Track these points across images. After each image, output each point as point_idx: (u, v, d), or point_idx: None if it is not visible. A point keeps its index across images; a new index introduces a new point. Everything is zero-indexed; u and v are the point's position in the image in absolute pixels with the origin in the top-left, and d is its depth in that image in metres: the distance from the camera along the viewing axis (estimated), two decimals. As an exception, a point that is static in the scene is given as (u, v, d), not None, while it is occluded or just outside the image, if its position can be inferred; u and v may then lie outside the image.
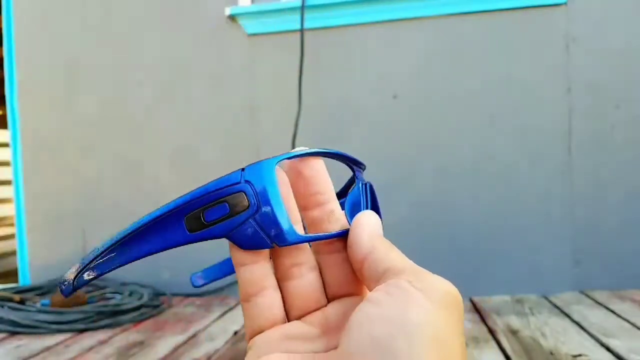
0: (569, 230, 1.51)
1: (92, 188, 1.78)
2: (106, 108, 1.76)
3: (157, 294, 1.61)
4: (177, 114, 1.72)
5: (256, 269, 0.25)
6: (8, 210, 3.42)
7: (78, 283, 0.25)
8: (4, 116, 1.98)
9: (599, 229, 1.51)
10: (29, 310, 1.40)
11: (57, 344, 1.25)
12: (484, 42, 1.55)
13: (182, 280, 1.71)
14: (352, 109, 1.61)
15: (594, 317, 1.27)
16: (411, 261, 0.25)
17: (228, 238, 0.24)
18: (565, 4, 1.50)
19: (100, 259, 0.25)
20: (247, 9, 1.63)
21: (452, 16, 1.55)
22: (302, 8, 1.55)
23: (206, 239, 0.24)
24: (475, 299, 1.51)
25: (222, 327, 1.34)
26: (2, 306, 1.42)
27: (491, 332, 1.20)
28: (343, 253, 0.26)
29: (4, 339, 1.31)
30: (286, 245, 0.25)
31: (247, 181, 0.24)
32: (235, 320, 1.39)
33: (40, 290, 1.64)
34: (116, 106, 1.76)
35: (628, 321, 1.22)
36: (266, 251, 0.25)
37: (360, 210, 0.27)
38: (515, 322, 1.27)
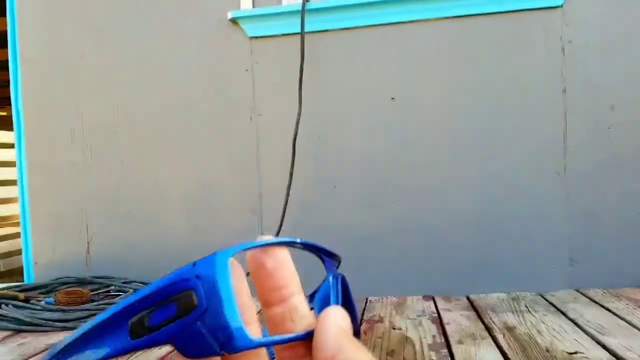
0: (564, 229, 1.53)
1: (97, 188, 1.80)
2: (110, 109, 1.79)
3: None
4: (179, 116, 1.74)
5: None
6: (13, 209, 3.46)
7: None
8: (9, 117, 2.00)
9: (594, 228, 1.53)
10: (33, 309, 1.42)
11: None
12: (481, 45, 1.57)
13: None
14: (350, 111, 1.63)
15: (590, 315, 1.29)
16: None
17: (172, 344, 0.22)
18: (561, 6, 1.52)
19: None
20: (248, 12, 1.65)
21: (450, 19, 1.57)
22: (303, 11, 1.57)
23: (149, 347, 0.22)
24: (472, 296, 1.53)
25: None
26: (7, 304, 1.45)
27: (488, 329, 1.22)
28: (307, 358, 0.23)
29: (8, 336, 1.34)
30: (236, 352, 0.21)
31: (197, 277, 0.22)
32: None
33: (45, 289, 1.66)
34: (120, 108, 1.78)
35: (624, 319, 1.24)
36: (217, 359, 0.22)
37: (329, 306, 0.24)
38: (511, 319, 1.29)
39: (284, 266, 0.23)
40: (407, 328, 1.25)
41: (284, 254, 0.24)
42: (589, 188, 1.53)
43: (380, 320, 1.34)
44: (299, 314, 0.24)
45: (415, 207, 1.60)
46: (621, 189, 1.51)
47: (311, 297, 0.27)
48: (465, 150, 1.58)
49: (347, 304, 0.27)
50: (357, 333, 0.26)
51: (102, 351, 0.22)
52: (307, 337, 0.23)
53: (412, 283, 1.60)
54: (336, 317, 0.22)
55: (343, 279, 0.28)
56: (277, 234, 1.61)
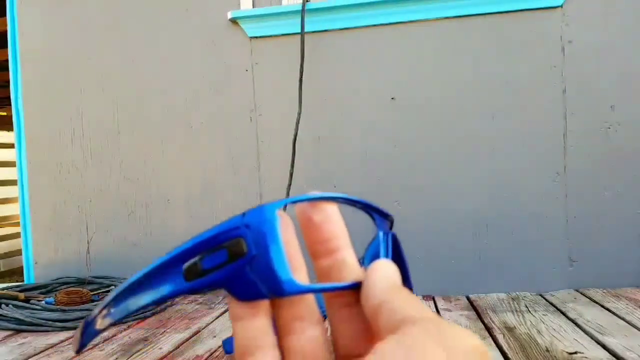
0: (564, 229, 1.54)
1: (97, 188, 1.80)
2: (110, 109, 1.79)
3: (160, 292, 1.63)
4: (179, 116, 1.74)
5: (253, 325, 0.23)
6: (13, 209, 3.46)
7: (85, 338, 0.25)
8: (9, 117, 2.00)
9: (594, 228, 1.53)
10: (33, 308, 1.42)
11: (61, 342, 1.27)
12: (481, 45, 1.57)
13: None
14: (351, 111, 1.63)
15: (590, 315, 1.29)
16: (434, 312, 0.21)
17: (224, 287, 0.23)
18: (560, 6, 1.52)
19: (104, 312, 0.24)
20: (248, 12, 1.65)
21: (450, 19, 1.58)
22: (303, 11, 1.57)
23: (202, 289, 0.23)
24: (472, 296, 1.53)
25: (224, 324, 1.37)
26: (7, 304, 1.45)
27: (487, 329, 1.22)
28: (356, 308, 0.23)
29: (9, 336, 1.34)
30: (283, 296, 0.23)
31: (247, 226, 0.23)
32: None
33: (45, 289, 1.66)
34: (120, 108, 1.78)
35: (623, 319, 1.24)
36: (266, 304, 0.23)
37: None
38: (511, 319, 1.29)
39: (332, 220, 0.24)
40: (407, 328, 1.25)
41: (332, 208, 0.24)
42: (589, 188, 1.53)
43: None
44: (347, 266, 0.24)
45: (416, 206, 1.60)
46: (621, 188, 1.52)
47: (363, 258, 0.27)
48: (465, 150, 1.58)
49: (399, 261, 0.27)
50: (410, 290, 0.26)
51: (160, 292, 0.23)
52: (355, 287, 0.23)
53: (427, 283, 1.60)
54: (384, 268, 0.23)
55: (394, 237, 0.28)
56: (277, 234, 1.61)
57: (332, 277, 0.24)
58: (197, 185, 1.74)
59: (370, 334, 0.23)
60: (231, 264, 0.22)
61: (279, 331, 0.24)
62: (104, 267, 1.77)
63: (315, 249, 0.24)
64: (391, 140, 1.61)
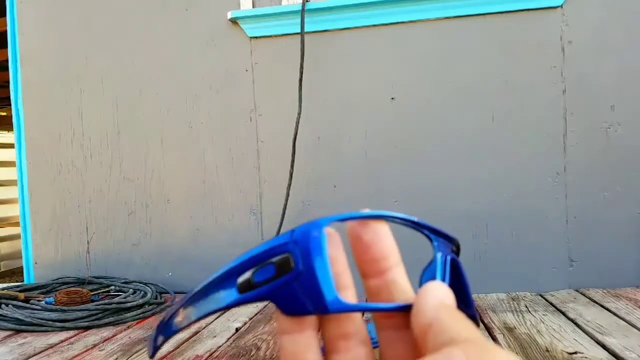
0: (564, 229, 1.54)
1: (97, 188, 1.81)
2: (110, 110, 1.79)
3: (160, 292, 1.63)
4: (179, 116, 1.74)
5: (299, 339, 0.23)
6: (13, 210, 3.46)
7: (156, 346, 0.27)
8: (9, 117, 2.00)
9: (594, 227, 1.53)
10: (33, 308, 1.42)
11: (61, 342, 1.27)
12: (481, 45, 1.57)
13: (184, 279, 1.74)
14: (350, 111, 1.63)
15: (590, 315, 1.29)
16: (482, 335, 0.20)
17: (272, 301, 0.24)
18: (560, 7, 1.52)
19: (168, 321, 0.26)
20: (248, 12, 1.65)
21: (450, 19, 1.58)
22: (303, 12, 1.57)
23: (254, 301, 0.24)
24: (472, 296, 1.53)
25: (224, 324, 1.37)
26: (7, 304, 1.45)
27: (487, 329, 1.22)
28: (405, 330, 0.23)
29: (9, 336, 1.34)
30: (328, 314, 0.23)
31: (295, 242, 0.23)
32: (237, 318, 1.41)
33: (45, 289, 1.66)
34: (120, 108, 1.79)
35: (623, 319, 1.24)
36: (313, 319, 0.24)
37: None
38: (511, 319, 1.29)
39: (382, 239, 0.24)
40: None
41: (382, 227, 0.24)
42: (589, 188, 1.53)
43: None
44: (398, 287, 0.24)
45: (416, 206, 1.60)
46: (621, 188, 1.52)
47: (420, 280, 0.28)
48: (465, 150, 1.58)
49: (460, 285, 0.27)
50: (473, 317, 0.28)
51: (218, 303, 0.24)
52: (404, 309, 0.23)
53: (412, 283, 1.60)
54: (437, 289, 0.23)
55: (453, 261, 0.28)
56: (277, 234, 1.61)
57: (381, 297, 0.24)
58: (197, 186, 1.74)
59: (419, 356, 0.22)
60: (279, 279, 0.23)
61: (326, 348, 0.24)
62: (104, 267, 1.77)
63: (365, 268, 0.24)
64: (391, 140, 1.61)
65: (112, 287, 1.62)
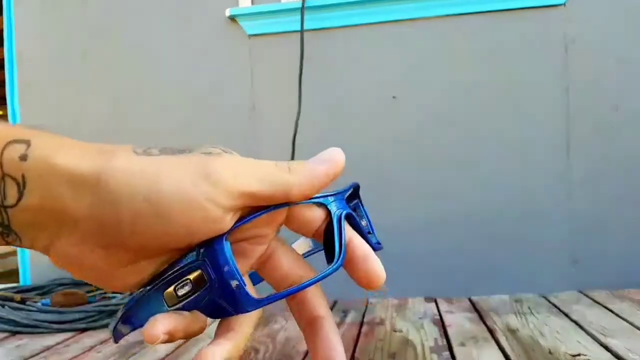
0: (567, 229, 1.52)
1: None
2: (107, 109, 1.77)
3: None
4: (176, 115, 1.72)
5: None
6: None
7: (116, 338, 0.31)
8: (5, 117, 1.99)
9: (597, 228, 1.51)
10: (29, 310, 1.40)
11: (57, 344, 1.25)
12: (483, 43, 1.55)
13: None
14: (351, 109, 1.62)
15: (593, 316, 1.27)
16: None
17: (199, 310, 0.27)
18: (563, 4, 1.50)
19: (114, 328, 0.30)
20: (247, 9, 1.63)
21: (451, 17, 1.56)
22: (303, 9, 1.56)
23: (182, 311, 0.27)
24: (474, 298, 1.52)
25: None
26: (3, 306, 1.43)
27: (490, 331, 1.20)
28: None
29: (4, 338, 1.32)
30: (247, 312, 0.27)
31: (203, 259, 0.26)
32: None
33: (41, 290, 1.64)
34: (117, 107, 1.77)
35: (627, 320, 1.22)
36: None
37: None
38: (514, 321, 1.27)
39: None
40: (408, 330, 1.24)
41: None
42: (592, 188, 1.51)
43: (381, 322, 1.32)
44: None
45: (416, 207, 1.58)
46: (624, 188, 1.50)
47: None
48: (467, 149, 1.56)
49: (359, 231, 0.32)
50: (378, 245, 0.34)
51: (150, 315, 0.26)
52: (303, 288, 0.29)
53: (412, 284, 1.58)
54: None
55: (347, 216, 0.32)
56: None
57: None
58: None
59: None
60: (197, 293, 0.26)
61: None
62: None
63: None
64: (391, 139, 1.60)
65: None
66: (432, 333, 1.21)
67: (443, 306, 1.46)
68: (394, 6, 1.56)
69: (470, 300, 1.51)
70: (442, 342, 1.14)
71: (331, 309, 1.43)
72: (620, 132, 1.49)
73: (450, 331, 1.22)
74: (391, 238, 1.62)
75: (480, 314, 1.35)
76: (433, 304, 1.49)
